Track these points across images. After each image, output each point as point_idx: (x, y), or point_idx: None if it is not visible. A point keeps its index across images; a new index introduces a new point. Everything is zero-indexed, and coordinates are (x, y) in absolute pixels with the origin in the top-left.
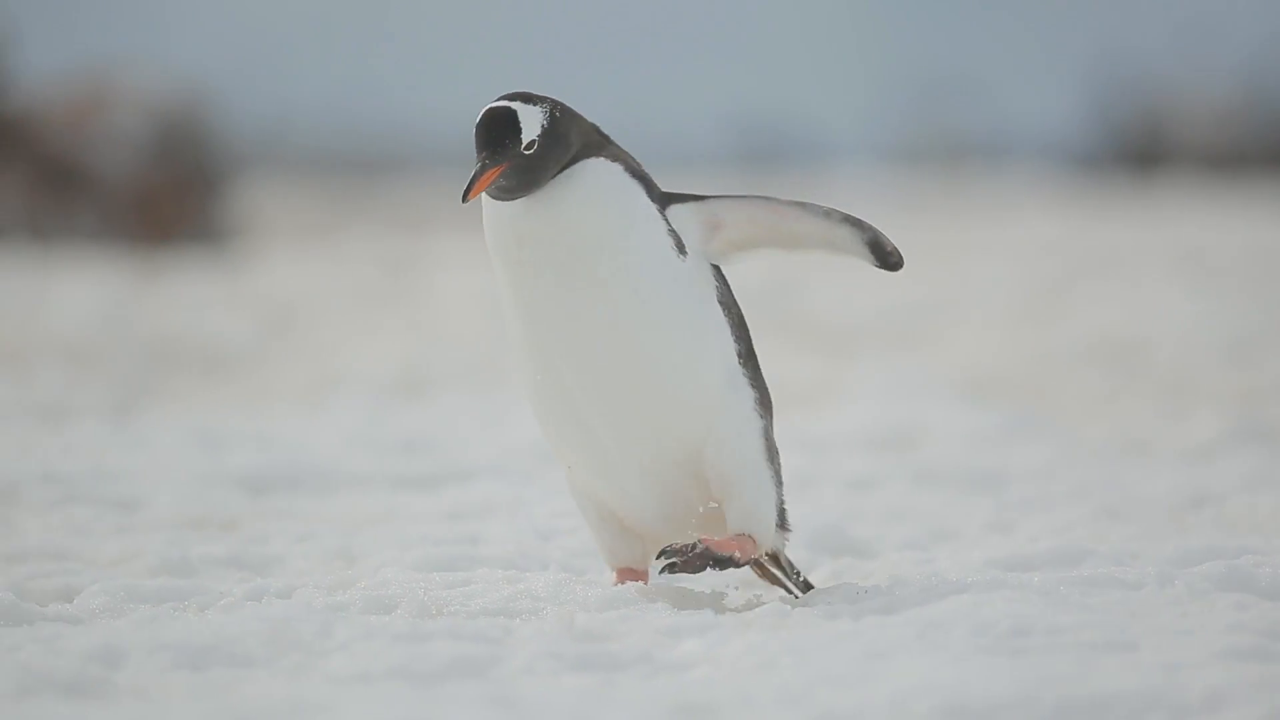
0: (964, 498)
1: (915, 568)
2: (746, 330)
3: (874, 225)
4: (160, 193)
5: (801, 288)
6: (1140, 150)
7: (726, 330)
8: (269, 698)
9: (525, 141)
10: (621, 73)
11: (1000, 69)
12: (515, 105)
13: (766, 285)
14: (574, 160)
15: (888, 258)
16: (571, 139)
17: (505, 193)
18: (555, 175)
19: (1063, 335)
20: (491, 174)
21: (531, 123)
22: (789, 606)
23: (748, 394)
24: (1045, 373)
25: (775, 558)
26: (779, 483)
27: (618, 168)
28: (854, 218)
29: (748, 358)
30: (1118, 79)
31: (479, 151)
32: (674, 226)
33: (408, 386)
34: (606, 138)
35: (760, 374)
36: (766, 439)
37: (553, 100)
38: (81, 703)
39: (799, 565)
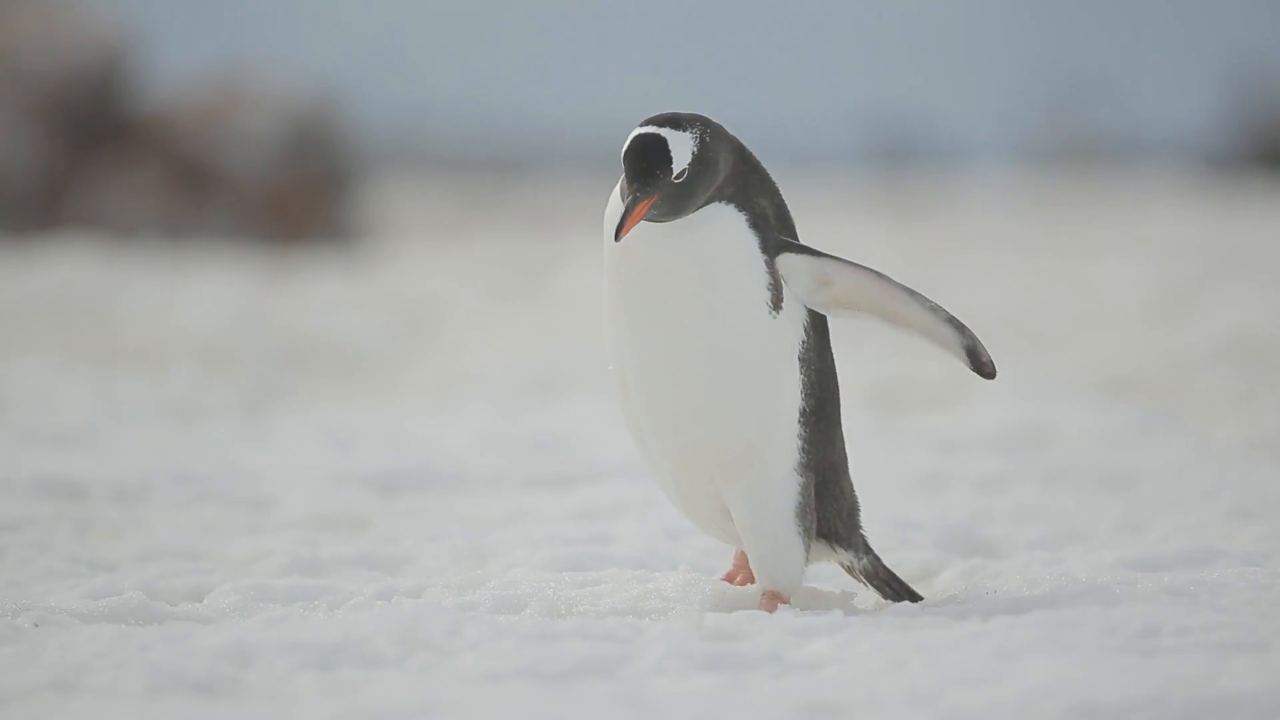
0: (1095, 498)
1: (1045, 568)
2: (827, 387)
3: (974, 333)
4: (292, 193)
5: (931, 287)
6: (1275, 149)
7: (795, 390)
8: (398, 697)
9: (676, 171)
10: (753, 68)
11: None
12: (665, 132)
13: None
14: (717, 192)
15: (983, 367)
16: (720, 164)
17: (652, 219)
18: (709, 202)
19: (1196, 334)
20: (644, 207)
21: (682, 150)
22: (918, 606)
23: (792, 456)
24: (1177, 372)
25: (875, 573)
26: (807, 537)
27: (740, 218)
28: (957, 320)
29: (814, 416)
30: (1253, 77)
31: (630, 183)
32: (780, 275)
33: (539, 386)
34: (751, 163)
35: (828, 433)
36: (803, 497)
37: (701, 121)
38: (211, 702)
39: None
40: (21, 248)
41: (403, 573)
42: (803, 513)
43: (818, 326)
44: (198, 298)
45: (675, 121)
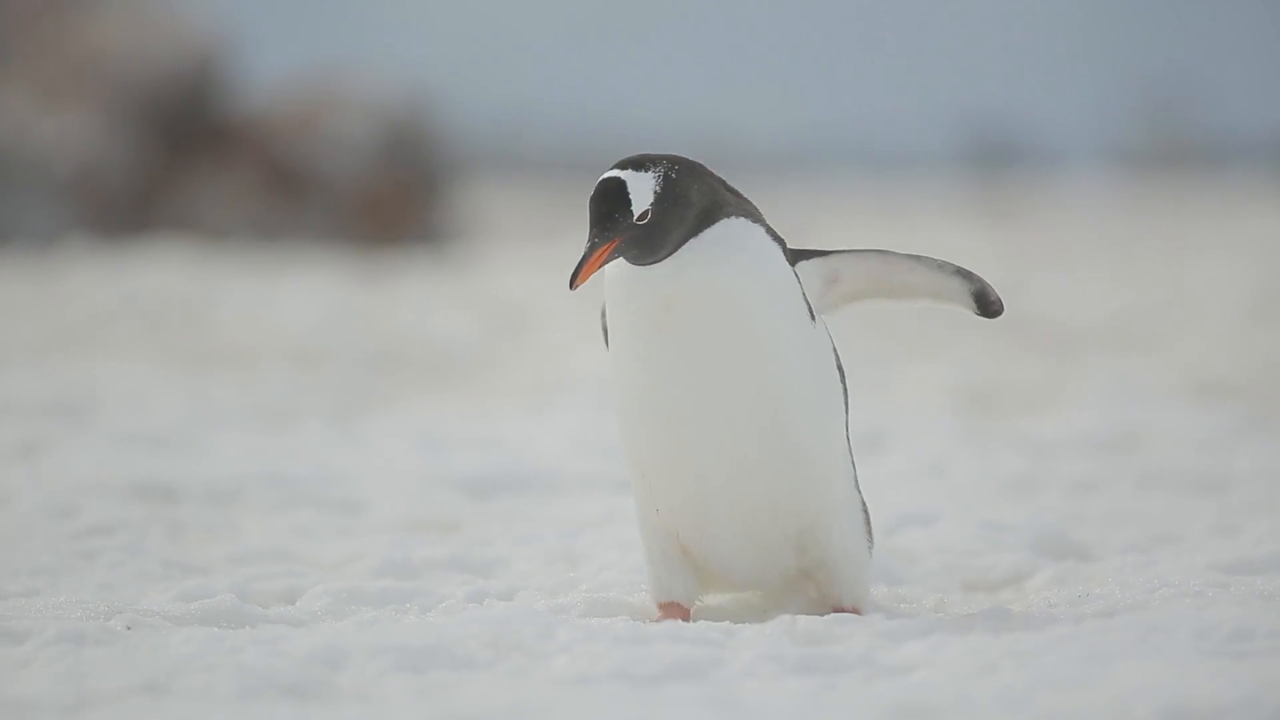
0: (1188, 501)
1: (1138, 571)
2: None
3: (983, 278)
4: (385, 195)
5: (1026, 290)
6: None
7: (840, 399)
8: (489, 700)
9: (637, 213)
10: (850, 71)
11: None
12: (626, 175)
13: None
14: (707, 218)
15: (989, 306)
16: (693, 197)
17: (638, 260)
18: (688, 235)
19: None
20: (601, 253)
21: (642, 191)
22: (1010, 609)
23: (849, 469)
24: (1273, 375)
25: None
26: (872, 551)
27: (759, 230)
28: (965, 270)
29: (848, 427)
30: None
31: (590, 229)
32: (804, 288)
33: None
34: (734, 192)
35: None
36: (865, 512)
37: (669, 159)
38: (303, 704)
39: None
40: (116, 250)
41: (495, 575)
42: (868, 526)
43: (829, 332)
44: (291, 300)
45: (639, 163)
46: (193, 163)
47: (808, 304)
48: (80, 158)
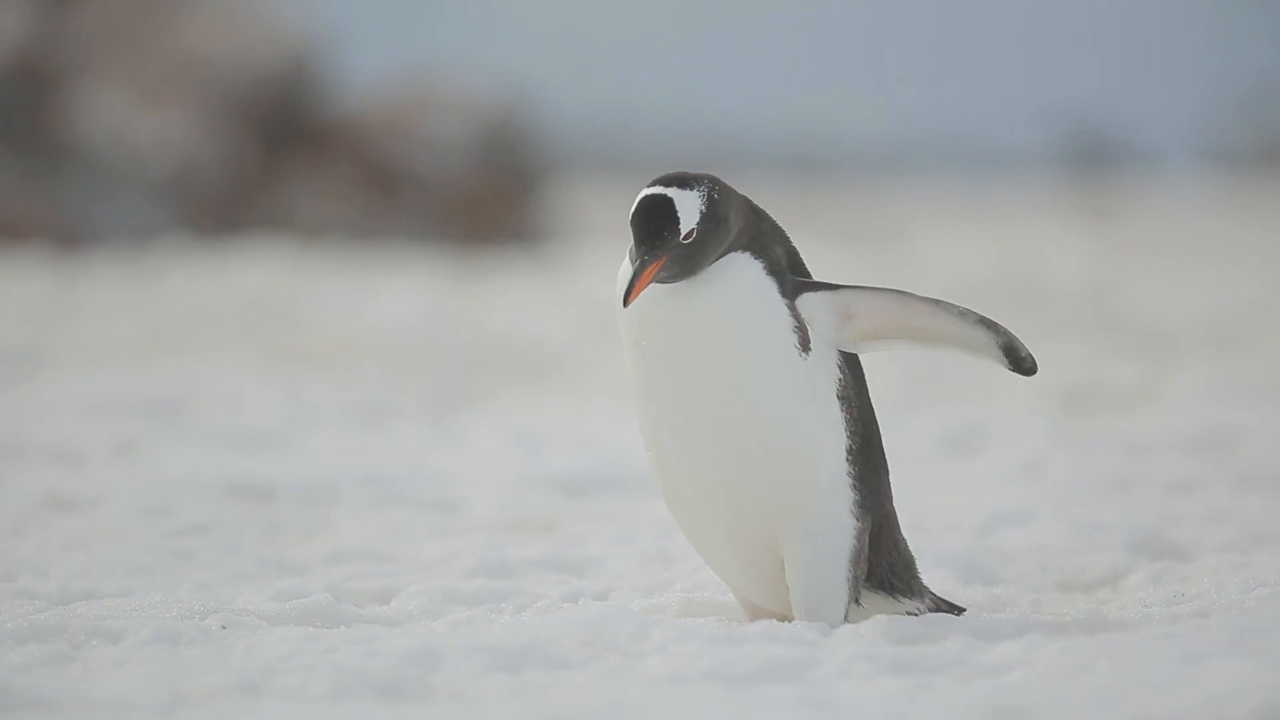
0: None
1: (1234, 571)
2: (867, 423)
3: (1009, 329)
4: (482, 195)
5: (1122, 289)
6: None
7: (840, 428)
8: (584, 700)
9: (684, 231)
10: (946, 69)
11: None
12: (671, 192)
13: (1087, 287)
14: (730, 243)
15: (1021, 363)
16: (730, 220)
17: (663, 280)
18: (717, 259)
19: None
20: (652, 270)
21: (689, 210)
22: (1106, 610)
23: (846, 496)
24: None
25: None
26: (856, 586)
27: (757, 266)
28: (989, 320)
29: (861, 454)
30: None
31: (637, 246)
32: (804, 317)
33: None
34: (761, 215)
35: (875, 469)
36: (858, 542)
37: (709, 179)
38: (397, 704)
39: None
40: (213, 250)
41: (589, 575)
42: (856, 559)
43: (852, 365)
44: (387, 299)
45: (682, 181)
46: (289, 162)
47: (800, 336)
48: (178, 157)
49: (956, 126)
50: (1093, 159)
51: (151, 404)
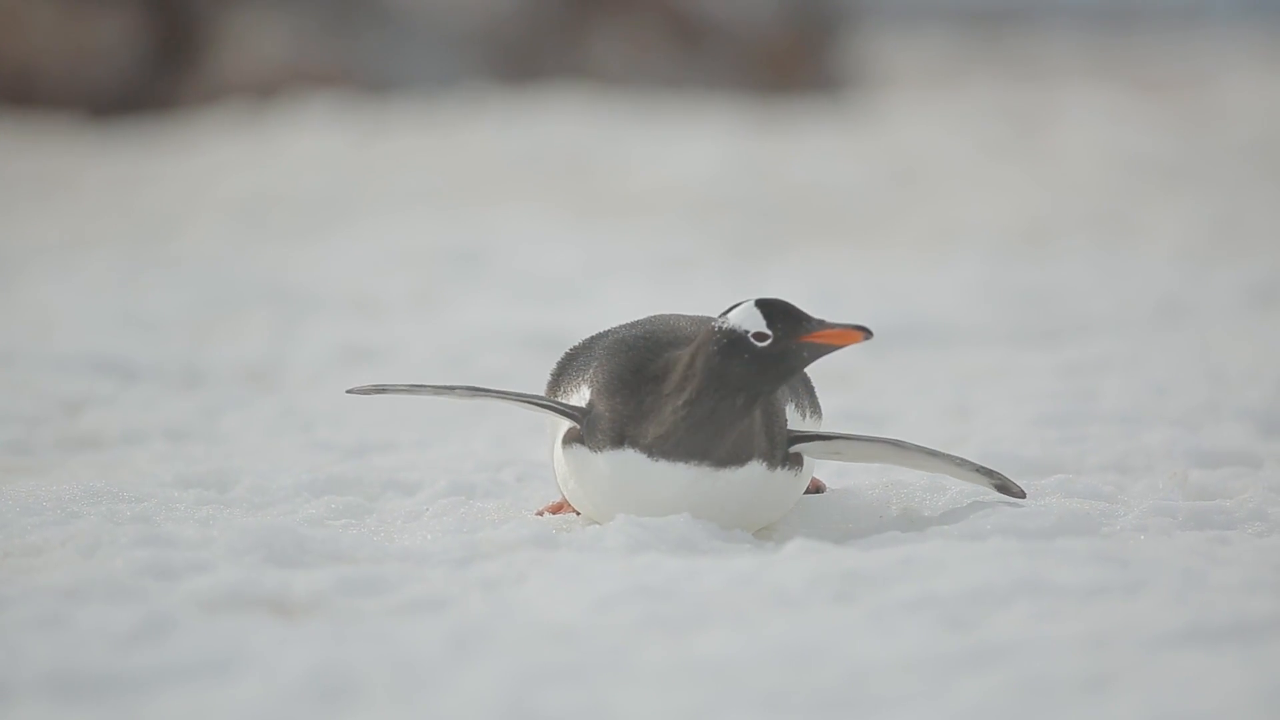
0: None
1: None
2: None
3: (1002, 474)
4: (785, 44)
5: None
6: None
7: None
8: (880, 554)
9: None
10: None
11: None
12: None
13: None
14: (737, 451)
15: (1011, 493)
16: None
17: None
18: (740, 421)
19: None
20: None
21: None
22: None
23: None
24: None
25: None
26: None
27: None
28: (984, 467)
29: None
30: None
31: (805, 315)
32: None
33: (1028, 240)
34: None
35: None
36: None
37: None
38: (691, 557)
39: None
40: (513, 99)
41: (886, 428)
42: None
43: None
44: (688, 150)
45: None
46: (592, 11)
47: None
48: (481, 7)
49: None
50: (1128, 18)
51: (450, 254)
